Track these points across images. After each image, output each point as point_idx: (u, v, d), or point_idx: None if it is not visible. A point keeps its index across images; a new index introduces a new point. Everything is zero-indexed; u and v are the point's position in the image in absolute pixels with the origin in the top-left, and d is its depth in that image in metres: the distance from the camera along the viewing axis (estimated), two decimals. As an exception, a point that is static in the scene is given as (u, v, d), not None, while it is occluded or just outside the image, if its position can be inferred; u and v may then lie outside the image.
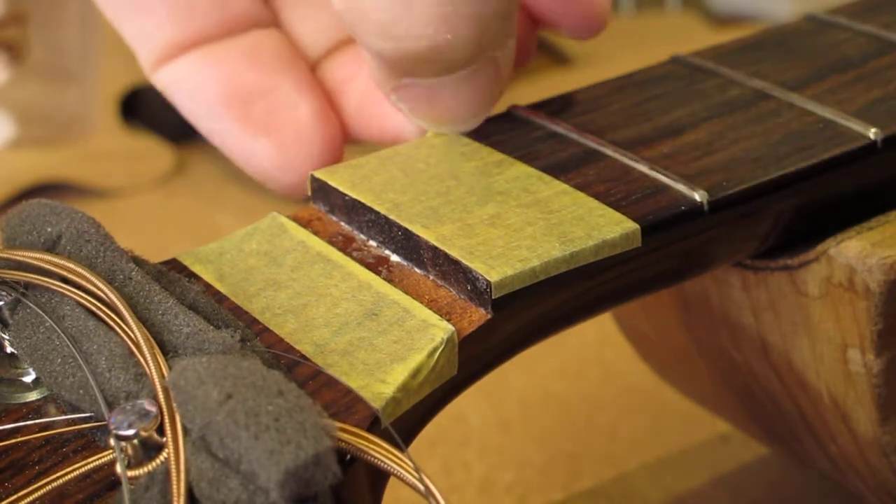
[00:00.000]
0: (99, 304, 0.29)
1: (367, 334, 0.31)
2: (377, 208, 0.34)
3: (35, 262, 0.30)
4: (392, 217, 0.34)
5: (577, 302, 0.34)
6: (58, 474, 0.27)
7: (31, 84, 0.86)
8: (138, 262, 0.32)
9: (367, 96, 0.40)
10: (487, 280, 0.31)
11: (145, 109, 0.91)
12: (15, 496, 0.26)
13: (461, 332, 0.31)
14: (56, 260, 0.30)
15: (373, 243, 0.34)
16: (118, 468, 0.26)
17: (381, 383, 0.29)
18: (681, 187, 0.35)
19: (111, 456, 0.27)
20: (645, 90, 0.40)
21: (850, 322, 0.36)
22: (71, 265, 0.30)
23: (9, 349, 0.30)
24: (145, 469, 0.26)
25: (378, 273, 0.33)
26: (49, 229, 0.31)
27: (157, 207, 0.85)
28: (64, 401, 0.29)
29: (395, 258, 0.34)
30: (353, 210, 0.35)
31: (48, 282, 0.30)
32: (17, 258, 0.31)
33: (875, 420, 0.37)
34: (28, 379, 0.30)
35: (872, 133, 0.37)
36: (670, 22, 1.17)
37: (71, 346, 0.29)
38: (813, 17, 0.45)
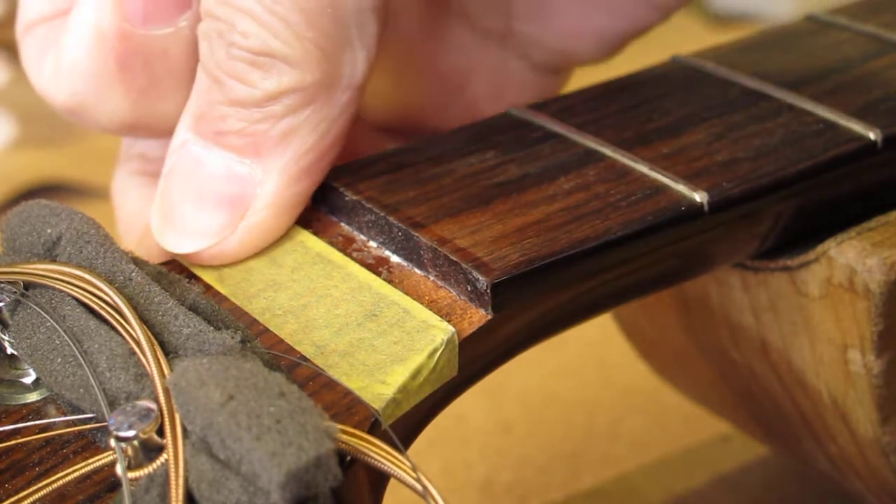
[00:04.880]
0: (101, 303, 0.29)
1: (367, 335, 0.31)
2: (377, 209, 0.34)
3: (37, 272, 0.30)
4: (392, 218, 0.34)
5: (577, 303, 0.34)
6: (58, 475, 0.27)
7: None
8: (138, 262, 0.32)
9: None
10: (487, 281, 0.31)
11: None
12: (15, 497, 0.26)
13: (461, 333, 0.31)
14: (57, 267, 0.30)
15: (373, 244, 0.34)
16: (118, 469, 0.26)
17: (381, 384, 0.29)
18: (681, 187, 0.35)
19: (111, 457, 0.27)
20: (645, 90, 0.40)
21: (850, 322, 0.36)
22: (71, 269, 0.30)
23: (9, 350, 0.30)
24: (145, 471, 0.26)
25: (378, 274, 0.33)
26: (49, 230, 0.31)
27: (157, 207, 0.85)
28: (64, 401, 0.29)
29: (395, 259, 0.34)
30: (354, 210, 0.35)
31: (49, 279, 0.30)
32: (19, 269, 0.31)
33: (875, 420, 0.37)
34: (28, 380, 0.30)
35: (872, 133, 0.37)
36: (670, 22, 1.17)
37: (72, 344, 0.29)
38: (813, 17, 0.45)
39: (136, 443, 0.26)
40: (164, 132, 0.37)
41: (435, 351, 0.30)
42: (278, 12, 0.32)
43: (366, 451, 0.26)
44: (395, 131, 0.44)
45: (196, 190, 0.34)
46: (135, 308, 0.29)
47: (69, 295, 0.30)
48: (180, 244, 0.34)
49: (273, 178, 0.34)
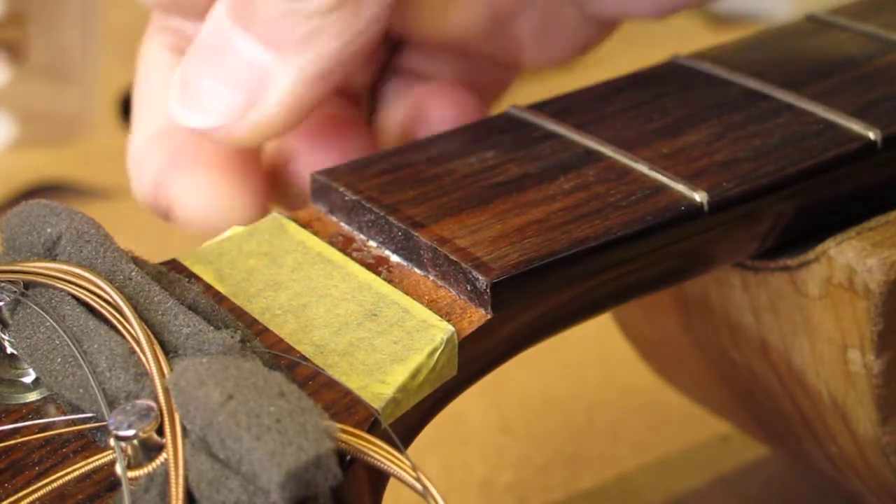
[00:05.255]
0: (100, 302, 0.30)
1: (366, 335, 0.31)
2: (377, 209, 0.34)
3: (37, 270, 0.30)
4: (392, 218, 0.34)
5: (577, 302, 0.34)
6: (58, 475, 0.27)
7: (32, 84, 0.86)
8: (138, 262, 0.32)
9: None
10: (487, 280, 0.31)
11: (145, 109, 0.91)
12: (15, 497, 0.26)
13: (461, 332, 0.31)
14: (57, 266, 0.30)
15: (373, 243, 0.34)
16: (118, 469, 0.26)
17: (380, 384, 0.29)
18: (681, 187, 0.35)
19: (111, 456, 0.27)
20: (645, 90, 0.40)
21: (850, 322, 0.36)
22: (71, 268, 0.30)
23: (9, 350, 0.30)
24: (145, 470, 0.26)
25: (378, 273, 0.33)
26: (49, 230, 0.31)
27: (157, 208, 0.85)
28: (64, 400, 0.29)
29: (395, 258, 0.34)
30: (353, 210, 0.35)
31: (49, 278, 0.30)
32: (19, 268, 0.31)
33: (875, 420, 0.37)
34: (28, 379, 0.30)
35: (872, 133, 0.37)
36: (670, 22, 1.17)
37: (72, 344, 0.29)
38: (813, 17, 0.45)
39: (135, 442, 0.26)
40: (198, 16, 0.38)
41: (435, 350, 0.30)
42: None
43: (366, 450, 0.26)
44: (434, 58, 0.44)
45: (219, 67, 0.35)
46: (134, 307, 0.29)
47: (69, 294, 0.30)
48: (192, 117, 0.36)
49: (290, 75, 0.35)
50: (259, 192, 0.40)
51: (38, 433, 0.28)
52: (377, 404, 0.29)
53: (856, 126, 0.37)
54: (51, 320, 0.29)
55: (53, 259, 0.31)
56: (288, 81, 0.35)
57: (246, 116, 0.35)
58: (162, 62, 0.41)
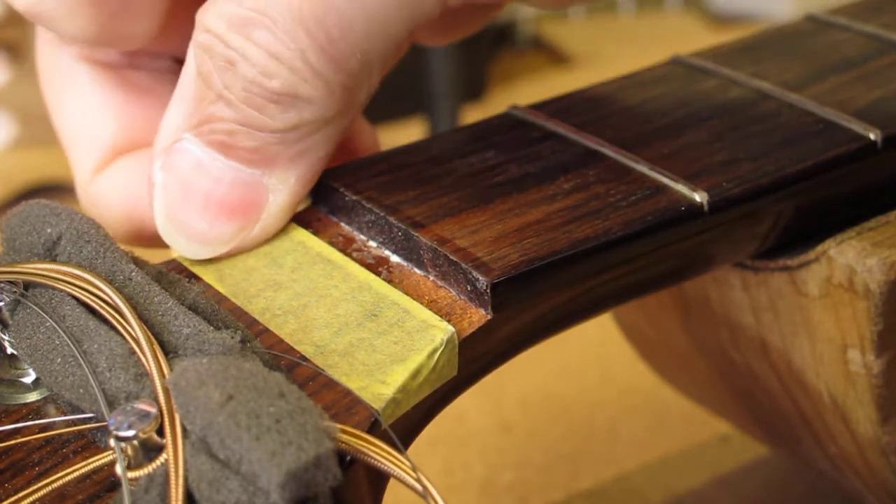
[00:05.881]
0: (100, 302, 0.30)
1: (367, 335, 0.31)
2: (377, 209, 0.34)
3: (37, 271, 0.30)
4: (392, 218, 0.34)
5: (577, 302, 0.34)
6: (58, 475, 0.27)
7: (32, 84, 0.86)
8: (138, 262, 0.32)
9: None
10: (487, 281, 0.31)
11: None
12: (15, 497, 0.26)
13: (461, 332, 0.31)
14: (57, 267, 0.30)
15: (373, 244, 0.34)
16: (118, 469, 0.26)
17: (381, 384, 0.29)
18: (681, 187, 0.35)
19: (111, 457, 0.27)
20: (645, 90, 0.40)
21: (850, 322, 0.36)
22: (71, 269, 0.30)
23: (9, 350, 0.30)
24: (145, 471, 0.26)
25: (378, 274, 0.33)
26: (49, 230, 0.31)
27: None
28: (64, 401, 0.29)
29: (395, 259, 0.34)
30: (354, 210, 0.35)
31: (49, 279, 0.30)
32: (19, 269, 0.31)
33: (875, 420, 0.37)
34: (28, 380, 0.30)
35: (872, 133, 0.37)
36: (670, 22, 1.17)
37: (72, 344, 0.29)
38: (813, 17, 0.45)
39: (135, 442, 0.26)
40: (128, 47, 0.37)
41: (435, 351, 0.30)
42: (310, 61, 0.32)
43: (366, 451, 0.26)
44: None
45: (203, 198, 0.34)
46: (134, 308, 0.29)
47: (69, 295, 0.30)
48: (195, 251, 0.34)
49: (288, 188, 0.34)
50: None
51: (38, 433, 0.28)
52: (377, 405, 0.29)
53: (856, 126, 0.37)
54: (51, 320, 0.29)
55: (53, 259, 0.31)
56: (287, 192, 0.34)
57: (252, 231, 0.34)
58: (80, 77, 0.38)
